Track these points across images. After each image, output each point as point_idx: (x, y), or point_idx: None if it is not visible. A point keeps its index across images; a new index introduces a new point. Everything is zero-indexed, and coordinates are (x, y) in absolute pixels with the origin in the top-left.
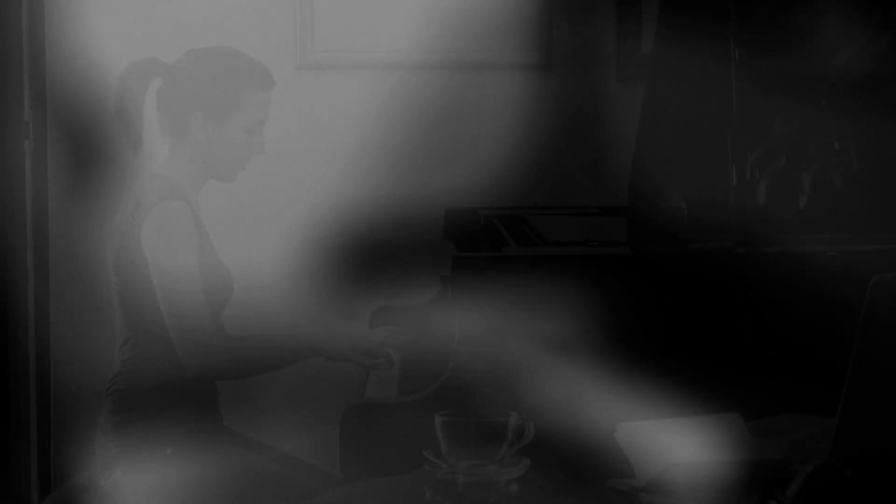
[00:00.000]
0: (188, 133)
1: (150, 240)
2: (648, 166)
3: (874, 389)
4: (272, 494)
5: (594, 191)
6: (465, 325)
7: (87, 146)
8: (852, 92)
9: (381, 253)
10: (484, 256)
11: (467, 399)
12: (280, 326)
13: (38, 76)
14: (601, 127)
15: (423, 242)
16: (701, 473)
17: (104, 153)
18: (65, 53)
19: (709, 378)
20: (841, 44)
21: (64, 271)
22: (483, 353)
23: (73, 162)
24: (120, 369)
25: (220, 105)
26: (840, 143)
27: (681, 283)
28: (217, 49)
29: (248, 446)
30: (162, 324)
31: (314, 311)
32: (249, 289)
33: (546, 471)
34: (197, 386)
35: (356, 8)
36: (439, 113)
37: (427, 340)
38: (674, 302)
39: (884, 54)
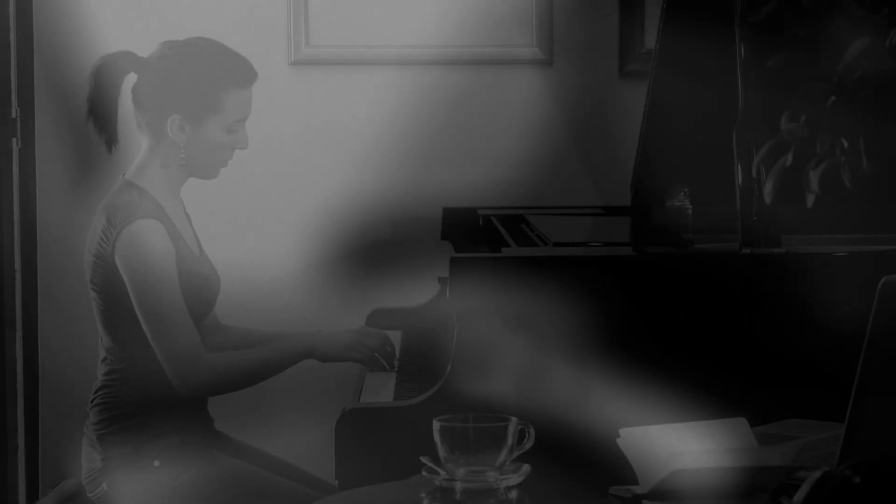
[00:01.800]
0: (165, 134)
1: (124, 261)
2: (652, 165)
3: (883, 393)
4: (265, 502)
5: (596, 190)
6: (464, 327)
7: (75, 145)
8: (861, 89)
9: (377, 253)
10: (482, 257)
11: (466, 403)
12: (271, 329)
13: (25, 73)
14: (603, 124)
15: (420, 243)
16: (706, 480)
17: (93, 152)
18: (53, 50)
19: (714, 382)
20: (850, 40)
21: (53, 272)
22: (482, 356)
23: (61, 160)
24: (103, 383)
25: (198, 107)
26: (849, 141)
27: (685, 284)
28: (194, 42)
29: (239, 452)
30: (141, 340)
31: (308, 314)
32: (243, 289)
33: (547, 477)
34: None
35: (351, 2)
36: (437, 110)
37: (424, 343)
38: (678, 304)
39: (893, 50)
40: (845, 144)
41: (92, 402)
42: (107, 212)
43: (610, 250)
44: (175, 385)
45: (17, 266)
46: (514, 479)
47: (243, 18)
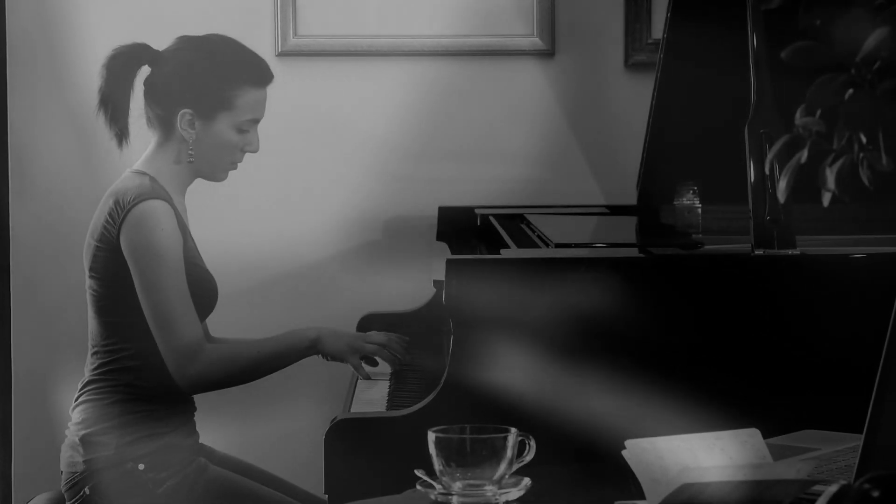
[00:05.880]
0: (174, 130)
1: (131, 243)
2: (659, 161)
3: None
4: None
5: (600, 188)
6: (460, 333)
7: (51, 143)
8: (881, 81)
9: (368, 255)
10: (480, 259)
11: (462, 413)
12: (265, 332)
13: None
14: (608, 118)
15: (414, 244)
16: (716, 495)
17: (67, 149)
18: (27, 46)
19: (725, 391)
20: (869, 29)
21: (26, 276)
22: (479, 364)
23: (35, 159)
24: (91, 378)
25: (209, 103)
26: (868, 136)
27: (695, 287)
28: (210, 38)
29: (226, 465)
30: (139, 331)
31: (295, 320)
32: (233, 292)
33: (548, 491)
34: (173, 398)
35: None
36: (432, 103)
37: (418, 350)
38: (687, 308)
39: None
40: (864, 140)
41: (76, 400)
42: (115, 195)
43: (615, 252)
44: (174, 375)
45: None
46: (514, 494)
47: (228, 7)
